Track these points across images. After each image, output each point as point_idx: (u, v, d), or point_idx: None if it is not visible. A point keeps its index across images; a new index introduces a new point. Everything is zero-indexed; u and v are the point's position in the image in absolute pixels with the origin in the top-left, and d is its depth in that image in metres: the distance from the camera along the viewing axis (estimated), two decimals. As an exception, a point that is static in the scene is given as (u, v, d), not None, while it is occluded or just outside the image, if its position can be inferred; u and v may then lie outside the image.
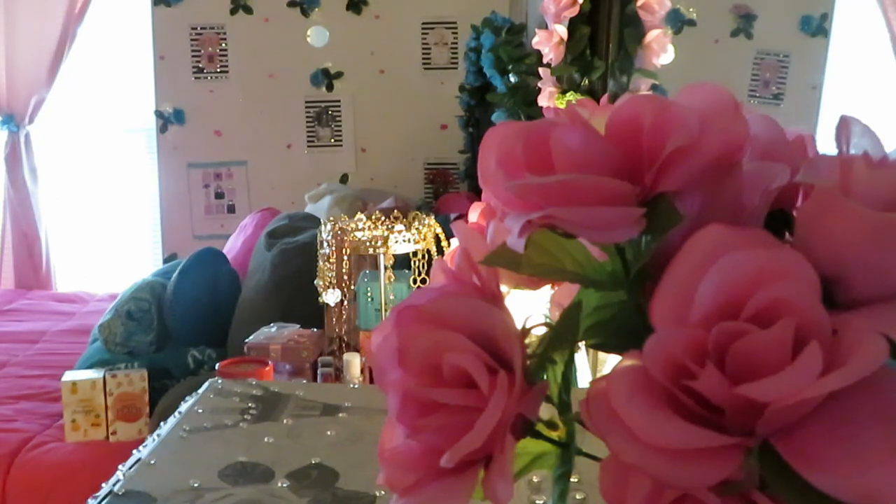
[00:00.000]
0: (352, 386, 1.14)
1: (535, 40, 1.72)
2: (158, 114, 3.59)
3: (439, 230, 1.73)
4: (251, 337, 1.79)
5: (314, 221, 2.38)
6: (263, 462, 0.68)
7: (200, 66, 3.56)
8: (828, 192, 0.26)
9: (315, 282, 1.74)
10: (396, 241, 1.65)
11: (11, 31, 3.56)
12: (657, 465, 0.24)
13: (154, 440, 0.73)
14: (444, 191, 3.57)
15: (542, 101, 1.75)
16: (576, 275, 0.31)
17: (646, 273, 0.28)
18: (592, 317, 0.30)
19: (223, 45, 3.55)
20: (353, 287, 1.74)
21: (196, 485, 0.63)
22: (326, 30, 3.52)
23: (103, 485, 0.64)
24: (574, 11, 1.61)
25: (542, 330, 0.31)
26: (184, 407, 0.81)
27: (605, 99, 1.48)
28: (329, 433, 0.74)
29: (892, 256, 0.24)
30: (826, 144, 0.31)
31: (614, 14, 1.66)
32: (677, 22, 2.00)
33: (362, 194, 3.25)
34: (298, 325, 1.85)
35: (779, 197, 0.29)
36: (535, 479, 0.62)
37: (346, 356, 1.63)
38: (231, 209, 3.67)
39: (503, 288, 0.32)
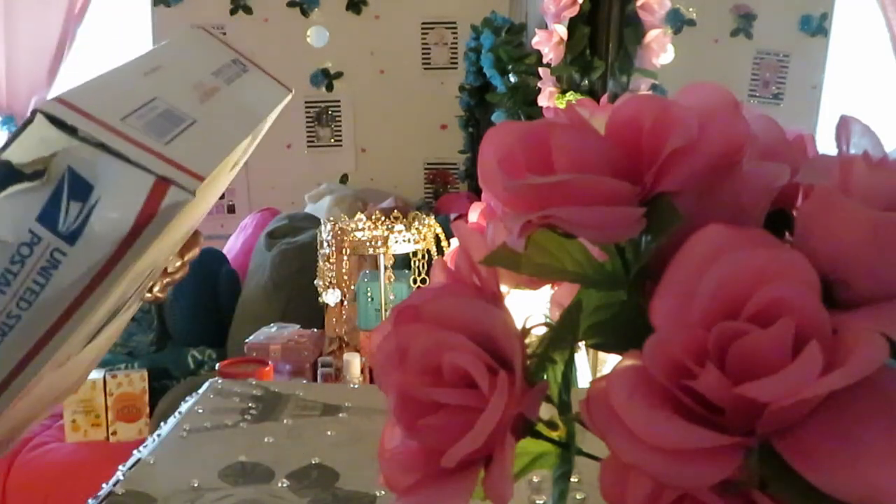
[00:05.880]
0: (352, 386, 1.14)
1: (535, 40, 1.72)
2: (158, 114, 3.59)
3: (439, 230, 1.73)
4: (251, 337, 1.79)
5: (314, 221, 2.38)
6: (263, 462, 0.68)
7: (200, 66, 3.56)
8: (828, 192, 0.26)
9: (315, 282, 1.74)
10: (396, 241, 1.65)
11: (11, 31, 3.56)
12: (657, 465, 0.24)
13: (154, 440, 0.73)
14: (444, 191, 3.56)
15: (542, 101, 1.75)
16: (576, 275, 0.31)
17: (646, 273, 0.28)
18: (592, 317, 0.30)
19: (223, 45, 3.55)
20: (353, 287, 1.74)
21: (196, 485, 0.63)
22: (326, 30, 3.52)
23: (103, 485, 0.64)
24: (574, 11, 1.62)
25: (542, 330, 0.31)
26: (184, 407, 0.81)
27: (605, 99, 1.48)
28: (329, 433, 0.74)
29: (892, 256, 0.24)
30: (826, 144, 0.31)
31: (614, 14, 1.66)
32: (677, 22, 2.00)
33: (362, 194, 3.25)
34: (298, 325, 1.86)
35: (779, 197, 0.29)
36: (535, 479, 0.62)
37: (346, 356, 1.63)
38: (231, 209, 3.66)
39: (503, 288, 0.32)
